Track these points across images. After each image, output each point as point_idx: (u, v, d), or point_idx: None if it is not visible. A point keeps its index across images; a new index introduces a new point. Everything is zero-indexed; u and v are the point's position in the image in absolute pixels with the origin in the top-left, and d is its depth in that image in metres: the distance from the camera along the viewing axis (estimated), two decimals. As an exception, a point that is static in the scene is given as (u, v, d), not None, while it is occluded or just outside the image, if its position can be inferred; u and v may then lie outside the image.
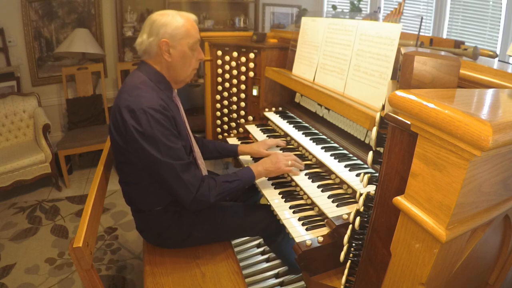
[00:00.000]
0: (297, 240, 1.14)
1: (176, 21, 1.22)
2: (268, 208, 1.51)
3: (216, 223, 1.40)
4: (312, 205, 1.33)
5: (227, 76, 2.22)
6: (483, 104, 0.62)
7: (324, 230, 1.19)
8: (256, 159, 1.66)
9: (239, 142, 1.91)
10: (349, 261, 0.92)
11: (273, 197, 1.39)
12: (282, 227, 1.58)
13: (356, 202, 1.14)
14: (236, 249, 1.98)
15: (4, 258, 2.13)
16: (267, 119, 2.01)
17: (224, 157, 1.70)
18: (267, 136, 1.83)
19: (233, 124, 2.33)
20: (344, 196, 1.30)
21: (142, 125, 1.12)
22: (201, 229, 1.38)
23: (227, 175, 1.32)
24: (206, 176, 1.27)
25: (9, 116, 2.95)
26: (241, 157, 1.70)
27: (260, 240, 2.03)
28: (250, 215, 1.49)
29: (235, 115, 2.28)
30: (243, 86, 2.18)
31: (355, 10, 3.51)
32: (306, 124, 1.81)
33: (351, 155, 1.47)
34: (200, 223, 1.37)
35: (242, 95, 2.20)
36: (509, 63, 1.28)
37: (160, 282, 1.28)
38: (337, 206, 1.24)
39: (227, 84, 2.25)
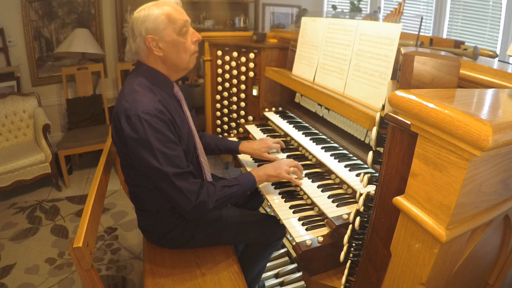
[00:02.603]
0: (297, 240, 1.14)
1: (153, 13, 1.15)
2: (271, 216, 1.52)
3: (219, 227, 1.39)
4: (312, 205, 1.33)
5: (227, 76, 2.22)
6: (483, 104, 0.62)
7: (324, 230, 1.19)
8: (256, 158, 1.66)
9: (239, 142, 1.91)
10: (349, 261, 0.92)
11: (273, 197, 1.39)
12: (282, 238, 1.58)
13: (356, 202, 1.14)
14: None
15: (4, 258, 2.13)
16: (267, 119, 2.01)
17: (225, 153, 1.68)
18: (267, 136, 1.83)
19: (233, 124, 2.33)
20: (344, 196, 1.30)
21: (138, 132, 1.09)
22: (204, 232, 1.37)
23: (227, 180, 1.29)
24: (205, 181, 1.23)
25: (9, 116, 2.95)
26: (241, 157, 1.70)
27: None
28: (254, 222, 1.48)
29: (235, 115, 2.28)
30: (243, 86, 2.18)
31: (355, 10, 3.51)
32: (306, 124, 1.82)
33: (351, 155, 1.47)
34: (204, 226, 1.36)
35: (242, 95, 2.20)
36: (509, 63, 1.28)
37: (160, 282, 1.28)
38: (337, 206, 1.24)
39: (227, 84, 2.25)
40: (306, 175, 1.43)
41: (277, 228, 1.50)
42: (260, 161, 1.62)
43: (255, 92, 2.14)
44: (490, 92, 0.70)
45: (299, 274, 1.88)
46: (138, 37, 1.18)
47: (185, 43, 1.22)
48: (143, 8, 1.18)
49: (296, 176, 1.39)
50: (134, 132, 1.10)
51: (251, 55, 2.07)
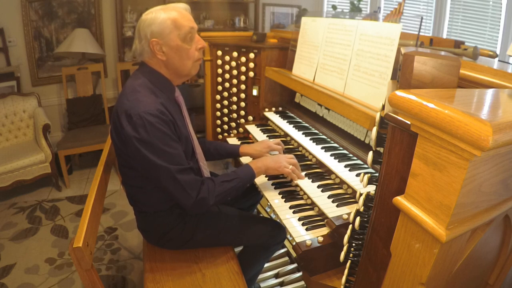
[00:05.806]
0: (297, 240, 1.14)
1: (160, 17, 1.16)
2: (272, 220, 1.52)
3: (219, 228, 1.39)
4: (312, 205, 1.33)
5: (227, 76, 2.22)
6: (483, 104, 0.62)
7: (324, 230, 1.19)
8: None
9: (239, 142, 1.91)
10: (349, 261, 0.92)
11: (273, 197, 1.39)
12: (282, 242, 1.58)
13: (356, 202, 1.14)
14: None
15: (4, 258, 2.13)
16: (267, 119, 2.01)
17: (226, 158, 1.69)
18: (267, 136, 1.83)
19: (233, 124, 2.33)
20: (344, 196, 1.30)
21: (139, 131, 1.10)
22: (204, 232, 1.37)
23: (226, 174, 1.30)
24: (205, 177, 1.25)
25: (9, 116, 2.95)
26: (242, 158, 1.70)
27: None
28: (254, 225, 1.47)
29: (235, 115, 2.28)
30: (243, 86, 2.18)
31: (355, 10, 3.50)
32: (306, 124, 1.81)
33: (351, 155, 1.47)
34: (203, 226, 1.36)
35: (242, 95, 2.20)
36: (509, 63, 1.28)
37: (160, 282, 1.28)
38: (337, 206, 1.24)
39: (227, 84, 2.25)
40: (306, 175, 1.43)
41: (277, 232, 1.49)
42: (260, 161, 1.62)
43: (255, 92, 2.14)
44: (490, 92, 0.70)
45: (299, 274, 1.88)
46: (144, 39, 1.20)
47: (189, 49, 1.23)
48: (151, 11, 1.20)
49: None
50: (135, 131, 1.10)
51: (251, 55, 2.07)
